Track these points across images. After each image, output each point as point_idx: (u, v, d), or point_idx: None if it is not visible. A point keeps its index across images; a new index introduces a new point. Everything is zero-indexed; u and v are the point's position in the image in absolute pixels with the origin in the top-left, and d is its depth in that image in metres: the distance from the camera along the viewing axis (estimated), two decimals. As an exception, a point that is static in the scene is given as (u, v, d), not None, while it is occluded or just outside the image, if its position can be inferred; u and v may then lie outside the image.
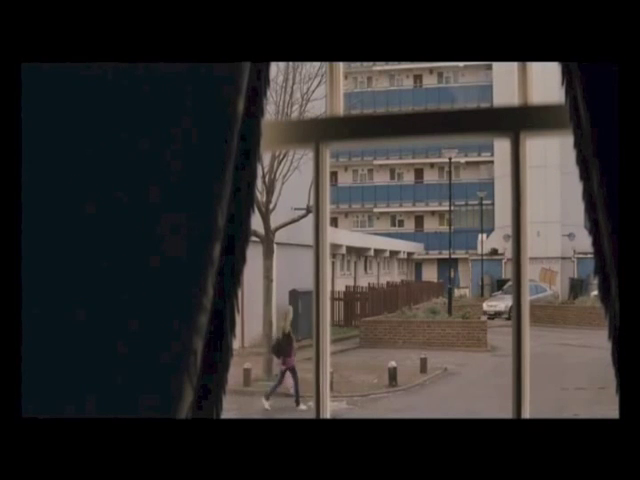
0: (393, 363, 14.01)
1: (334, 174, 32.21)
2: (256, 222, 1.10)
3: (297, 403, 12.00)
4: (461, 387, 13.73)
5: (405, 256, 32.10)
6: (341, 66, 1.59)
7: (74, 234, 0.98)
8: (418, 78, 34.26)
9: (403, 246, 31.66)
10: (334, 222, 30.89)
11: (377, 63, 31.96)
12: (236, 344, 1.55)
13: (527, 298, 1.44)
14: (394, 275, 30.01)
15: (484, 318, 19.67)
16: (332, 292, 19.76)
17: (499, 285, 25.12)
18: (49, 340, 0.88)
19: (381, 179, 34.59)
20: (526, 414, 1.41)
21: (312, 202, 1.59)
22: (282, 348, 12.70)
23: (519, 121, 1.43)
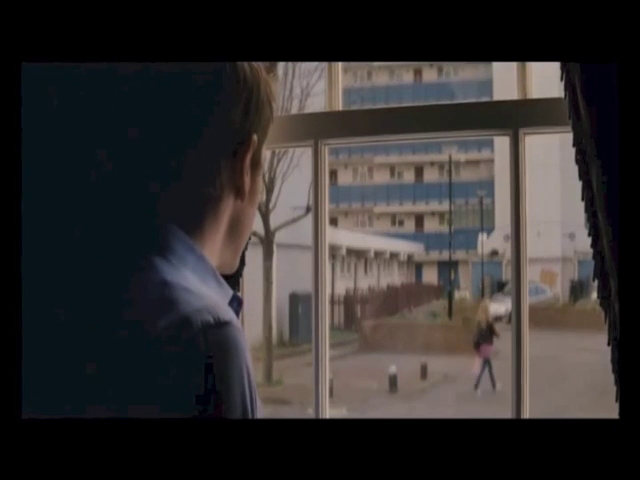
0: (393, 368, 14.00)
1: (334, 173, 32.15)
2: (255, 222, 1.11)
3: (475, 387, 13.46)
4: (462, 392, 13.70)
5: (405, 258, 32.08)
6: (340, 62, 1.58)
7: (75, 234, 0.98)
8: (418, 73, 34.23)
9: (403, 247, 31.63)
10: (334, 222, 30.83)
11: (376, 59, 31.92)
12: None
13: (527, 300, 1.43)
14: (394, 277, 29.98)
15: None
16: (332, 295, 19.72)
17: (499, 287, 25.10)
18: (49, 341, 0.87)
19: (381, 177, 34.54)
20: (526, 416, 1.41)
21: (312, 201, 1.57)
22: (483, 339, 14.29)
23: (518, 118, 1.43)
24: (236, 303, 0.98)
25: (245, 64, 0.97)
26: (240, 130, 0.98)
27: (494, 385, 13.56)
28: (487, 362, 13.91)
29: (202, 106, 0.95)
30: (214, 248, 0.99)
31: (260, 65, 0.99)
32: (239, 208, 1.01)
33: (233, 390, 0.82)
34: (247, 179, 0.99)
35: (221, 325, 0.83)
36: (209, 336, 0.82)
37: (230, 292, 0.98)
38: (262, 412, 0.89)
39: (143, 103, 0.95)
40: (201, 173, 0.96)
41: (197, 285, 0.90)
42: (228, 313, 0.86)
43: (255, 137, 0.99)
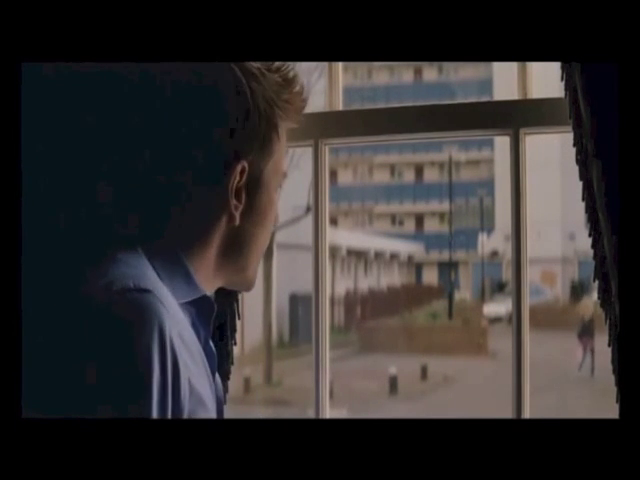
0: (393, 370, 14.00)
1: (334, 173, 32.01)
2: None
3: (579, 369, 14.99)
4: (463, 394, 13.68)
5: (406, 259, 32.03)
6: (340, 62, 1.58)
7: (74, 235, 0.98)
8: (418, 72, 34.11)
9: (403, 247, 31.58)
10: (334, 222, 30.74)
11: (376, 56, 31.86)
12: (236, 350, 1.53)
13: (527, 300, 1.43)
14: (394, 277, 29.94)
15: (485, 322, 19.60)
16: (332, 295, 19.69)
17: (499, 288, 25.07)
18: (50, 342, 0.87)
19: (381, 177, 34.43)
20: (526, 416, 1.41)
21: (312, 201, 1.57)
22: (586, 331, 15.85)
23: (519, 118, 1.42)
24: (201, 304, 1.00)
25: (234, 85, 0.97)
26: (224, 155, 0.99)
27: (592, 371, 14.79)
28: (590, 352, 15.31)
29: (186, 130, 0.97)
30: (205, 265, 1.02)
31: (267, 84, 1.00)
32: (235, 229, 1.03)
33: (141, 352, 0.84)
34: (233, 202, 1.01)
35: (139, 290, 0.88)
36: (127, 299, 0.87)
37: (199, 293, 1.00)
38: (207, 392, 0.94)
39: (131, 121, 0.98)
40: (188, 199, 1.00)
41: (145, 267, 0.94)
42: (153, 284, 0.91)
43: (244, 163, 1.00)
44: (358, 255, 26.56)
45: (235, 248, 1.04)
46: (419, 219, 34.50)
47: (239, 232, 1.03)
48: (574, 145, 1.24)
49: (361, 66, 32.44)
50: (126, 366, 0.84)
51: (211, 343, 1.05)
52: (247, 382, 13.62)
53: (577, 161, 1.24)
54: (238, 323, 1.50)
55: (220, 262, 1.04)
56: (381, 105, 1.85)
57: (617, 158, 1.01)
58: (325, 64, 1.59)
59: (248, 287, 1.12)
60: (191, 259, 1.00)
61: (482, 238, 27.81)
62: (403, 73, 34.31)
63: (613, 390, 1.22)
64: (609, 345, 1.23)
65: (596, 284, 1.24)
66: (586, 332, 15.97)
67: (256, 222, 1.05)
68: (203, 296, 1.01)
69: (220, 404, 1.05)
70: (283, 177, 1.10)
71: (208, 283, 1.04)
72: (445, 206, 30.50)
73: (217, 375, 1.07)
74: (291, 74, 1.04)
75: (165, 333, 0.86)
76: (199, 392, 0.92)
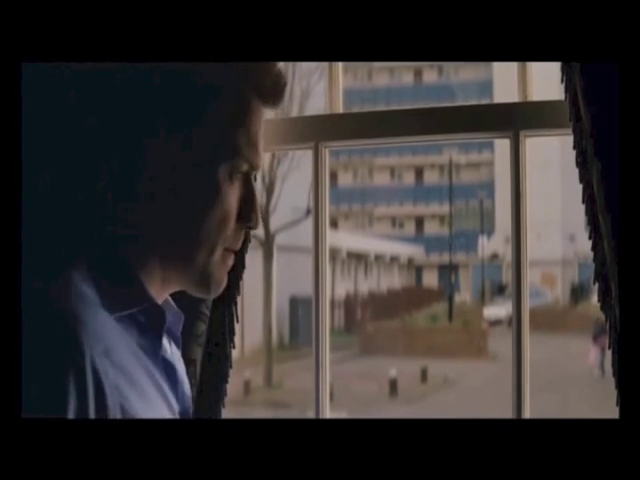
0: (393, 372, 14.01)
1: (334, 175, 31.99)
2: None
3: (603, 373, 14.72)
4: (463, 396, 13.70)
5: (406, 261, 32.05)
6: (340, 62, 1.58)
7: (73, 235, 0.98)
8: (418, 73, 34.12)
9: (403, 249, 31.60)
10: (334, 224, 30.74)
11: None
12: (235, 352, 1.53)
13: (527, 303, 1.43)
14: (394, 280, 29.94)
15: (485, 325, 19.61)
16: (332, 298, 19.70)
17: (499, 290, 25.09)
18: (50, 342, 0.87)
19: (381, 179, 34.45)
20: (526, 417, 1.41)
21: (312, 204, 1.57)
22: (601, 331, 15.57)
23: (519, 120, 1.43)
24: (149, 312, 0.93)
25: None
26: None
27: (604, 372, 14.88)
28: (603, 352, 15.48)
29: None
30: (148, 268, 0.95)
31: None
32: (172, 225, 0.94)
33: (55, 382, 0.81)
34: (148, 175, 0.93)
35: (58, 312, 0.84)
36: (43, 321, 0.83)
37: (146, 300, 0.93)
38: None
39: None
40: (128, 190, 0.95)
41: (73, 278, 0.90)
42: (75, 301, 0.86)
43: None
44: (358, 257, 26.54)
45: (174, 244, 0.94)
46: (419, 221, 34.50)
47: (175, 225, 0.93)
48: (574, 147, 1.24)
49: (361, 68, 32.46)
50: (42, 389, 0.81)
51: (168, 353, 0.98)
52: (247, 384, 13.63)
53: (577, 163, 1.24)
54: (237, 326, 1.50)
55: (164, 262, 0.95)
56: (381, 107, 1.85)
57: (617, 159, 1.01)
58: (325, 66, 1.59)
59: (205, 291, 0.98)
60: (133, 261, 0.93)
61: (482, 240, 27.81)
62: (403, 75, 34.30)
63: (613, 392, 1.22)
64: (609, 347, 1.23)
65: (596, 286, 1.24)
66: (601, 332, 15.71)
67: (192, 213, 0.93)
68: (151, 304, 0.93)
69: (186, 414, 0.97)
70: (245, 165, 0.96)
71: (157, 289, 0.96)
72: (445, 208, 30.52)
73: (185, 384, 1.01)
74: None
75: (84, 360, 0.82)
76: (137, 415, 0.85)
